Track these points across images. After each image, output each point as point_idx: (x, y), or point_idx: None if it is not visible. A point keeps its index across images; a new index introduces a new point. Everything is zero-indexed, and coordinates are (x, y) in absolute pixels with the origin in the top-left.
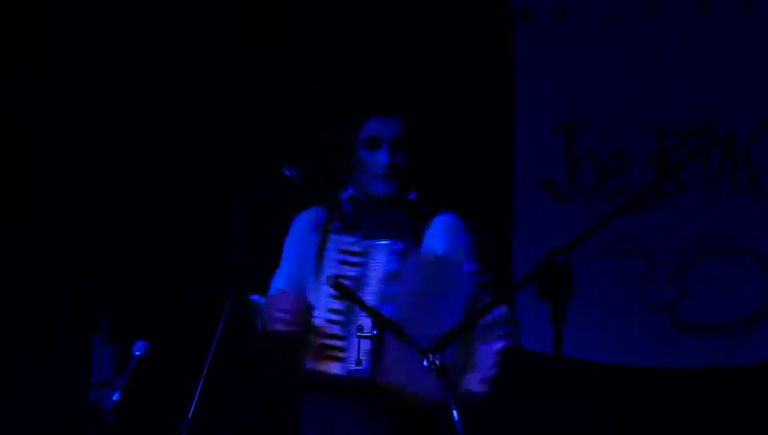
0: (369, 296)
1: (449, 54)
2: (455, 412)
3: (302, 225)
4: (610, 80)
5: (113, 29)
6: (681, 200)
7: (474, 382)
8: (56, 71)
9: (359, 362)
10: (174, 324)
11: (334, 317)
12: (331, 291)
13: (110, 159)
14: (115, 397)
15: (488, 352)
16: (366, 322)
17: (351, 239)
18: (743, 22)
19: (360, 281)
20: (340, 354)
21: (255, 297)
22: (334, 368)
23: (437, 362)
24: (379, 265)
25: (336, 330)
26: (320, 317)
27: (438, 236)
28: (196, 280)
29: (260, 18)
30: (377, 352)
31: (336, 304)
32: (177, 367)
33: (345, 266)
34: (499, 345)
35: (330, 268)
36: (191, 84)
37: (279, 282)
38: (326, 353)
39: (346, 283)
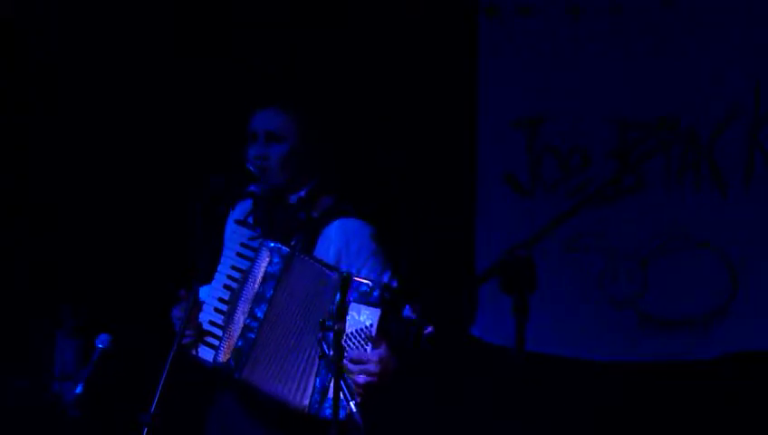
0: (249, 292)
1: (413, 49)
2: (353, 404)
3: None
4: (574, 75)
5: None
6: (644, 195)
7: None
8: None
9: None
10: (137, 317)
11: (220, 307)
12: (226, 281)
13: (71, 157)
14: (78, 390)
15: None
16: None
17: (251, 234)
18: (707, 19)
19: (246, 275)
20: (214, 342)
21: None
22: (202, 352)
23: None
24: (260, 265)
25: (219, 320)
26: (209, 303)
27: (335, 239)
28: (159, 272)
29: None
30: (247, 353)
31: (226, 295)
32: (140, 360)
33: (240, 259)
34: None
35: (227, 257)
36: (146, 82)
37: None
38: (201, 337)
39: (235, 274)
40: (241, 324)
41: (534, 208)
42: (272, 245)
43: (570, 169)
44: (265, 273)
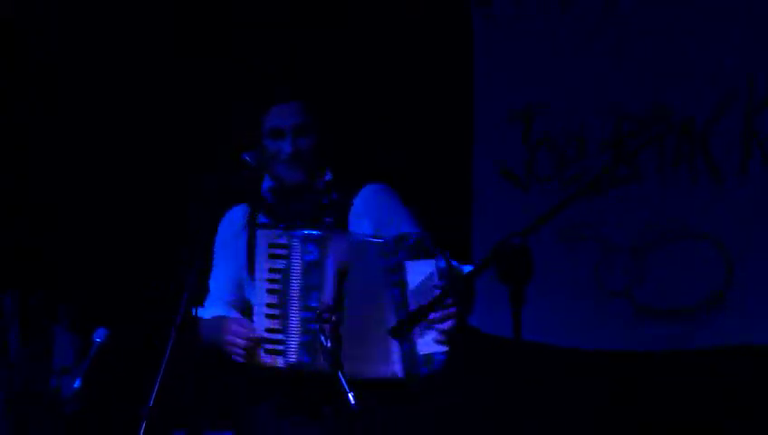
0: (295, 288)
1: (407, 42)
2: (350, 396)
3: (233, 224)
4: (568, 66)
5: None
6: (639, 186)
7: (429, 344)
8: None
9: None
10: (134, 310)
11: (271, 312)
12: (267, 285)
13: (71, 157)
14: (76, 384)
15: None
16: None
17: (276, 232)
18: (700, 9)
19: (288, 273)
20: (280, 347)
21: (200, 313)
22: (268, 359)
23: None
24: (297, 258)
25: (275, 324)
26: (258, 313)
27: (364, 210)
28: (157, 266)
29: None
30: (316, 342)
31: (273, 299)
32: (139, 353)
33: (274, 260)
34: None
35: (261, 263)
36: (146, 82)
37: (217, 288)
38: (267, 349)
39: (275, 276)
40: (299, 321)
41: (530, 200)
42: (303, 233)
43: (565, 161)
44: (305, 263)
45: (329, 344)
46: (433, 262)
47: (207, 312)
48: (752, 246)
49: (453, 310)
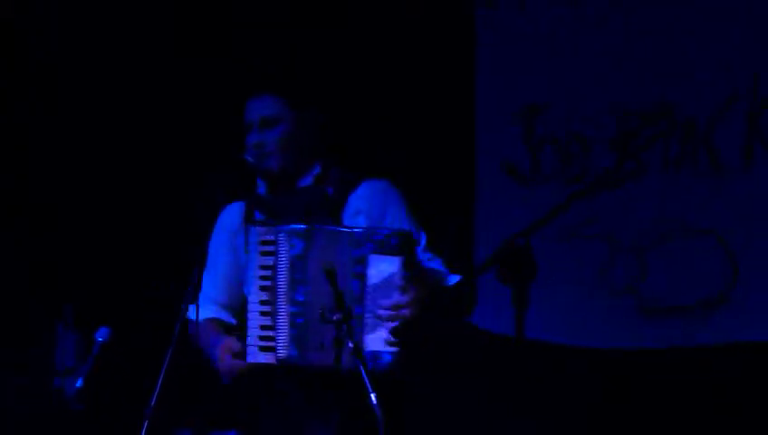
0: (282, 283)
1: (411, 41)
2: (373, 396)
3: (230, 222)
4: (572, 64)
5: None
6: (643, 183)
7: (377, 342)
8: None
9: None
10: (136, 310)
11: (265, 308)
12: (260, 282)
13: (71, 157)
14: (78, 384)
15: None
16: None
17: (264, 229)
18: (706, 6)
19: (275, 269)
20: (270, 344)
21: (190, 314)
22: (262, 357)
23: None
24: (284, 253)
25: (268, 321)
26: (252, 310)
27: (360, 207)
28: (159, 265)
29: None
30: (303, 337)
31: (265, 296)
32: (141, 352)
33: (265, 257)
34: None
35: (254, 260)
36: (146, 82)
37: (209, 288)
38: (261, 346)
39: (266, 272)
40: (287, 315)
41: (534, 198)
42: (287, 228)
43: (569, 158)
44: (291, 258)
45: (350, 344)
46: (398, 260)
47: (199, 313)
48: (756, 243)
49: (404, 312)
